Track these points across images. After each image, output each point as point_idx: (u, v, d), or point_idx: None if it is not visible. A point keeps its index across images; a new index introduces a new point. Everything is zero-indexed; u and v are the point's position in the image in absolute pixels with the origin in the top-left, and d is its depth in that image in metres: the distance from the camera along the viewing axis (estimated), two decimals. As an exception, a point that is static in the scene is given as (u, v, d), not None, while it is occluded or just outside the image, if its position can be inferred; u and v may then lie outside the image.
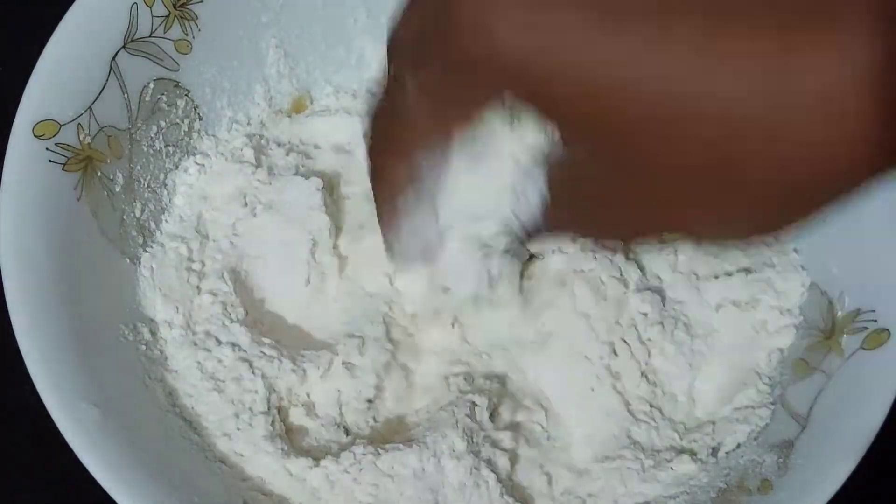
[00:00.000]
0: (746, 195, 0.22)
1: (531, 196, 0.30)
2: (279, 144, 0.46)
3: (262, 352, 0.40)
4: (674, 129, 0.21)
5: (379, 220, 0.36)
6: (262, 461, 0.38)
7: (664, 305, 0.42)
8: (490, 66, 0.23)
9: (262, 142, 0.46)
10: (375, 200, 0.35)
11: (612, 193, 0.25)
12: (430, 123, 0.28)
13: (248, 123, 0.46)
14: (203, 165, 0.44)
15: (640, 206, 0.24)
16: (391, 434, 0.41)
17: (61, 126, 0.38)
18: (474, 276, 0.37)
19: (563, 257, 0.42)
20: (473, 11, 0.23)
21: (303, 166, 0.45)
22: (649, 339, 0.42)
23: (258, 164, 0.45)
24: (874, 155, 0.20)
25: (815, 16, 0.20)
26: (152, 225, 0.42)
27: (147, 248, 0.42)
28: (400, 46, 0.28)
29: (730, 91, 0.20)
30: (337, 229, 0.43)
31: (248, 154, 0.45)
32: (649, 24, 0.21)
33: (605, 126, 0.22)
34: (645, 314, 0.42)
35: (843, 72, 0.19)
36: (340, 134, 0.46)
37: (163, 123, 0.43)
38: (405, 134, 0.30)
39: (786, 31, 0.20)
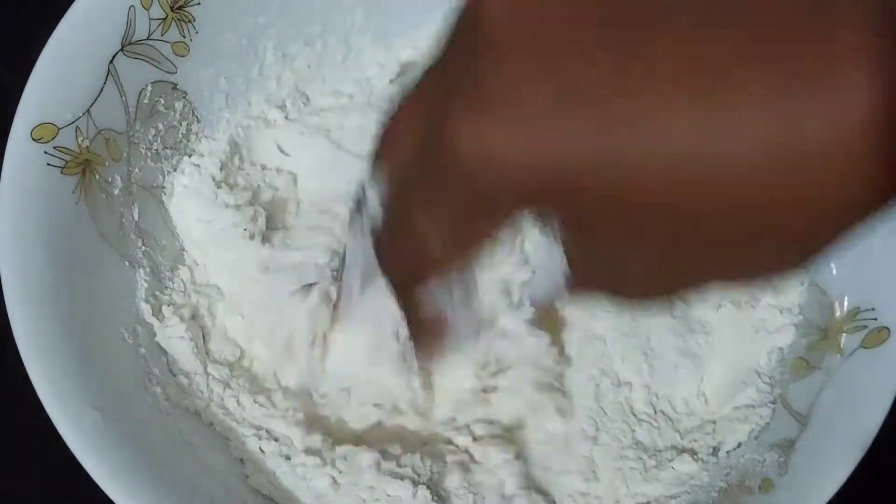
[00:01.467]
0: (767, 239, 0.22)
1: (553, 274, 0.28)
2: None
3: None
4: (686, 192, 0.21)
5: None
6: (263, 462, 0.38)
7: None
8: (506, 189, 0.22)
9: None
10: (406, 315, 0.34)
11: (632, 259, 0.24)
12: (451, 249, 0.27)
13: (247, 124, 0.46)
14: (200, 167, 0.44)
15: (667, 263, 0.24)
16: (397, 439, 0.41)
17: (59, 129, 0.38)
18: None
19: None
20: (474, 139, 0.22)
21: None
22: (650, 342, 0.42)
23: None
24: (885, 187, 0.20)
25: (807, 62, 0.19)
26: (151, 227, 0.42)
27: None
28: (395, 161, 0.27)
29: (741, 147, 0.20)
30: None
31: (247, 154, 0.45)
32: (644, 105, 0.20)
33: (620, 205, 0.22)
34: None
35: (844, 114, 0.19)
36: (339, 134, 0.47)
37: (161, 126, 0.43)
38: (422, 263, 0.28)
39: (782, 82, 0.19)
